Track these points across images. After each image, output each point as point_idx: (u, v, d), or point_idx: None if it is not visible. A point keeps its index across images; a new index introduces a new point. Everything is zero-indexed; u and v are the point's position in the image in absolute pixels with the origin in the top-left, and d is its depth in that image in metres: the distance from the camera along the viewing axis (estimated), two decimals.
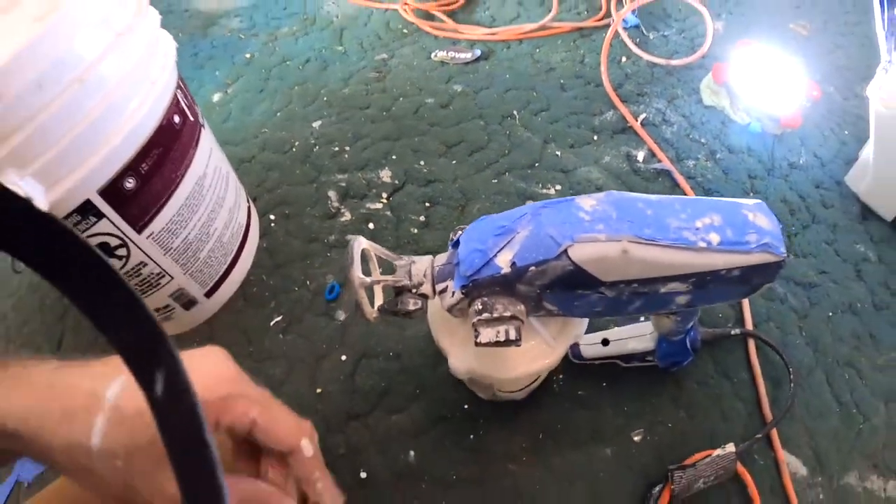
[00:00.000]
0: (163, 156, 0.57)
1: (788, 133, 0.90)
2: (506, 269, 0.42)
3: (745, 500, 0.58)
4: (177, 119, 0.59)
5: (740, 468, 0.58)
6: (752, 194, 0.83)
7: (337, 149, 0.92)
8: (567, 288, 0.43)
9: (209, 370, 0.33)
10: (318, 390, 0.67)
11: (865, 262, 0.77)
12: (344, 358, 0.69)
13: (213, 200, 0.67)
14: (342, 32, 1.18)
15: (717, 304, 0.68)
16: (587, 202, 0.43)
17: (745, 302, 0.71)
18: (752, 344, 0.68)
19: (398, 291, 0.46)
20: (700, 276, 0.42)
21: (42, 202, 0.48)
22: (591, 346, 0.64)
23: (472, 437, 0.63)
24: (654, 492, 0.57)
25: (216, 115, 1.01)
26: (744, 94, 0.91)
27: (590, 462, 0.60)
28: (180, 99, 0.60)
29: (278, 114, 1.00)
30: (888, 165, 0.77)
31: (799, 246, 0.78)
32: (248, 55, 1.16)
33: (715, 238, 0.41)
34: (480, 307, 0.43)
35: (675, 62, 1.00)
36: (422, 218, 0.82)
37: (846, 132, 0.92)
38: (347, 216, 0.83)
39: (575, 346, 0.65)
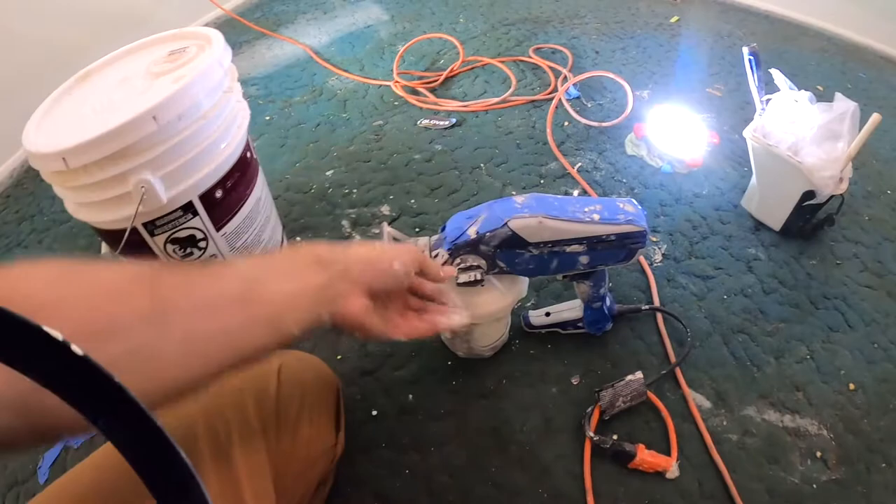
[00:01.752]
0: (239, 178, 0.82)
1: (695, 172, 1.17)
2: (473, 236, 0.67)
3: (662, 424, 0.78)
4: (248, 154, 0.84)
5: (654, 399, 0.79)
6: (661, 217, 1.08)
7: (347, 191, 1.18)
8: (509, 248, 0.68)
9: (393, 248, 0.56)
10: (339, 357, 0.89)
11: (756, 260, 0.99)
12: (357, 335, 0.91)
13: (264, 217, 0.91)
14: (345, 103, 1.47)
15: (614, 268, 0.83)
16: (519, 198, 0.69)
17: (654, 287, 0.95)
18: (660, 318, 0.91)
19: None
20: (589, 240, 0.68)
21: (163, 197, 0.72)
22: (537, 316, 0.88)
23: (454, 382, 0.84)
24: (587, 411, 0.78)
25: None
26: (658, 144, 1.19)
27: (540, 397, 0.82)
28: (249, 141, 0.85)
29: (297, 164, 1.26)
30: (768, 187, 1.00)
31: (699, 251, 1.02)
32: (267, 117, 1.43)
33: (596, 217, 0.68)
34: (459, 261, 0.68)
35: (605, 124, 1.28)
36: (417, 229, 1.08)
37: (745, 169, 1.15)
38: (358, 238, 1.08)
39: (526, 317, 0.89)
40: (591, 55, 1.58)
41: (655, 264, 1.00)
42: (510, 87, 1.43)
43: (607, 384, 0.79)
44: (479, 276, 0.67)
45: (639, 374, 0.80)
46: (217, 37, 0.81)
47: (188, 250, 0.81)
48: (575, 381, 0.84)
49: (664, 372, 0.83)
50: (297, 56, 1.71)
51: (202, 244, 0.82)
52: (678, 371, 0.83)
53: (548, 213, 0.66)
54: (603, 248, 0.70)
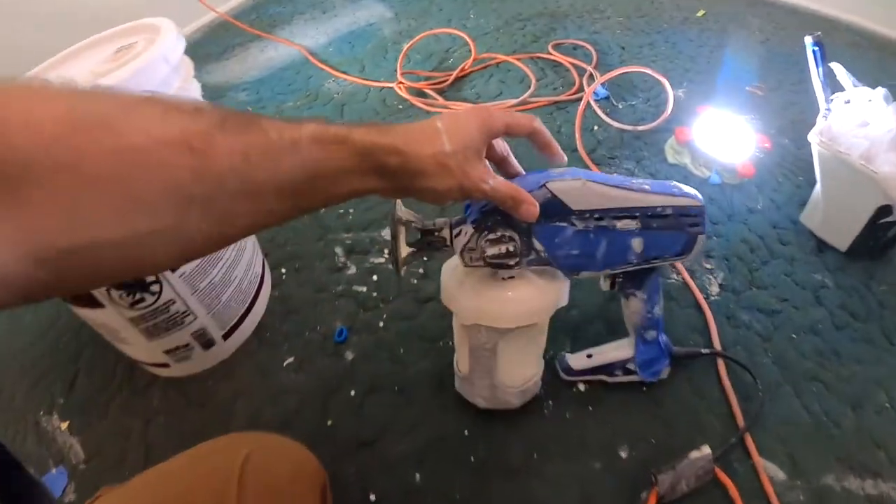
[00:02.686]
0: None
1: (746, 182, 1.01)
2: None
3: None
4: None
5: (721, 475, 0.63)
6: (714, 238, 0.92)
7: (342, 211, 1.02)
8: (548, 218, 0.54)
9: (478, 110, 0.49)
10: (329, 422, 0.72)
11: (823, 288, 0.84)
12: (353, 393, 0.75)
13: (235, 249, 0.75)
14: (343, 108, 1.31)
15: (668, 297, 0.75)
16: (556, 170, 0.57)
17: (712, 326, 0.78)
18: (721, 366, 0.74)
19: (423, 234, 0.57)
20: (643, 212, 0.57)
21: None
22: (577, 359, 0.72)
23: (471, 457, 0.68)
24: (642, 496, 0.62)
25: None
26: (703, 151, 1.03)
27: (581, 475, 0.65)
28: None
29: None
30: (835, 200, 0.86)
31: (759, 279, 0.85)
32: None
33: (647, 187, 0.57)
34: (487, 232, 0.54)
35: (641, 127, 1.12)
36: (421, 270, 0.90)
37: (800, 178, 1.02)
38: (353, 269, 0.91)
39: (563, 360, 0.73)
40: (616, 51, 1.44)
41: (712, 297, 0.83)
42: (529, 88, 1.27)
43: (667, 466, 0.62)
44: (511, 248, 0.54)
45: (706, 450, 0.63)
46: (167, 26, 0.66)
47: (137, 296, 0.66)
48: (623, 453, 0.67)
49: (733, 441, 0.66)
50: (292, 58, 1.58)
51: (154, 288, 0.66)
52: (747, 436, 0.67)
53: (591, 179, 0.55)
54: (658, 228, 0.57)
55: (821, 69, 0.88)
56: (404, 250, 0.56)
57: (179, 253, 0.33)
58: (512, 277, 0.58)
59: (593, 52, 1.39)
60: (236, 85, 1.47)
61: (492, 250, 0.55)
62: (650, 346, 0.69)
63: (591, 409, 0.71)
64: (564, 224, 0.55)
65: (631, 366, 0.70)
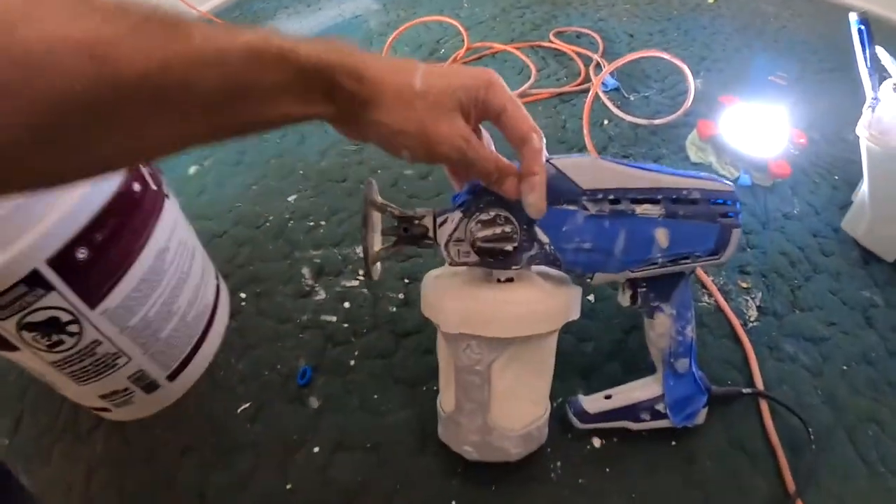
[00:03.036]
0: (120, 225, 0.53)
1: (779, 183, 0.88)
2: None
3: None
4: (136, 186, 0.55)
5: None
6: (748, 251, 0.79)
7: (312, 224, 0.89)
8: (554, 199, 0.46)
9: (481, 71, 0.42)
10: (288, 486, 0.59)
11: (873, 307, 0.73)
12: (317, 450, 0.62)
13: (176, 276, 0.62)
14: None
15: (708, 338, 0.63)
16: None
17: (752, 360, 0.66)
18: (765, 410, 0.62)
19: (401, 221, 0.48)
20: (665, 194, 0.48)
21: None
22: (594, 401, 0.59)
23: None
24: None
25: (191, 188, 0.98)
26: (730, 147, 0.90)
27: None
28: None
29: (253, 187, 0.97)
30: (885, 204, 0.75)
31: (804, 299, 0.73)
32: None
33: (667, 170, 0.49)
34: (478, 212, 0.46)
35: (657, 121, 0.99)
36: (400, 295, 0.77)
37: (836, 177, 0.91)
38: (322, 295, 0.78)
39: (575, 403, 0.60)
40: (624, 39, 1.32)
41: (751, 324, 0.70)
42: (529, 79, 1.14)
43: None
44: (508, 229, 0.46)
45: None
46: None
47: (53, 338, 0.54)
48: None
49: None
50: None
51: (73, 328, 0.54)
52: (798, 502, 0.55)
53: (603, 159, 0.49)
54: (686, 217, 0.49)
55: (867, 52, 0.76)
56: (377, 242, 0.48)
57: (77, 166, 0.30)
58: (510, 280, 0.50)
59: (599, 41, 1.27)
60: None
61: (484, 232, 0.46)
62: (683, 380, 0.56)
63: (608, 470, 0.58)
64: (574, 208, 0.47)
65: (660, 407, 0.57)
